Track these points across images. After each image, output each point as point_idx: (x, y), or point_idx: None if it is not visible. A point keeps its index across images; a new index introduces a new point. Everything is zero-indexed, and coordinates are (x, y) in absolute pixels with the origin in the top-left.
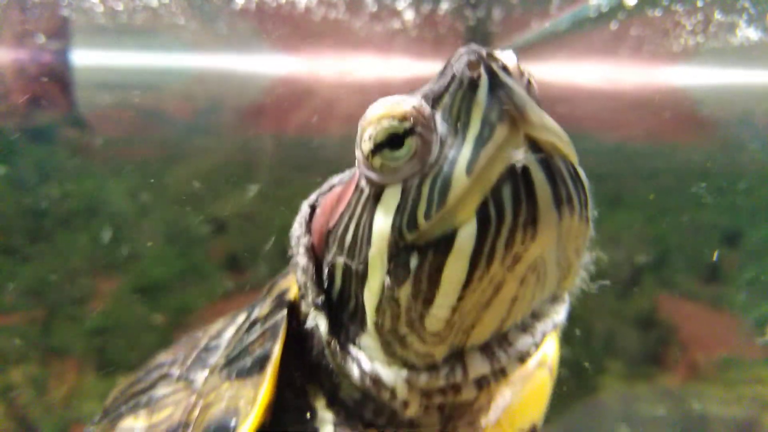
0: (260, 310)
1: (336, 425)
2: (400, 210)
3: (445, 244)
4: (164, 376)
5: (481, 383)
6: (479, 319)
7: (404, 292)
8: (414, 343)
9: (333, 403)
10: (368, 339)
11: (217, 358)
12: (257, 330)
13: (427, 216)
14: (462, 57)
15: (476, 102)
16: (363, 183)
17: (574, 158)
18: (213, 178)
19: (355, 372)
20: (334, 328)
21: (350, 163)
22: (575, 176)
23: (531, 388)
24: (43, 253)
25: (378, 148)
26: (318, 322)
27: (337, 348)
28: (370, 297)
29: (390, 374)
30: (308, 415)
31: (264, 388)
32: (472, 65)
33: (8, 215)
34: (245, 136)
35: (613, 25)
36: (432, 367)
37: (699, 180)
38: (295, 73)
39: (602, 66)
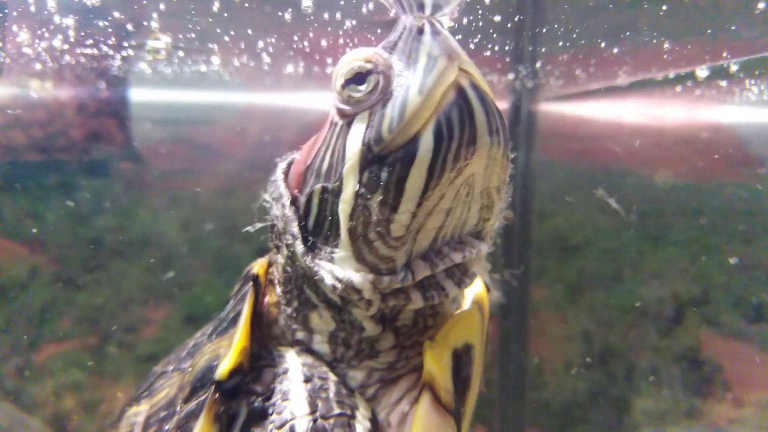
0: (232, 291)
1: (303, 365)
2: (368, 128)
3: (409, 157)
4: (161, 374)
5: (426, 296)
6: (423, 225)
7: (375, 201)
8: (380, 248)
9: (302, 353)
10: (341, 250)
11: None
12: (231, 305)
13: (390, 130)
14: (409, 16)
15: (423, 42)
16: (336, 118)
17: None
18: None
19: (329, 280)
20: (311, 251)
21: None
22: (500, 114)
23: (458, 312)
24: (97, 283)
25: (347, 83)
26: (296, 248)
27: (312, 263)
28: (345, 207)
29: (359, 278)
30: (279, 359)
31: (238, 334)
32: (418, 18)
33: (65, 246)
34: None
35: (679, 88)
36: (392, 272)
37: (745, 218)
38: None
39: (646, 102)
